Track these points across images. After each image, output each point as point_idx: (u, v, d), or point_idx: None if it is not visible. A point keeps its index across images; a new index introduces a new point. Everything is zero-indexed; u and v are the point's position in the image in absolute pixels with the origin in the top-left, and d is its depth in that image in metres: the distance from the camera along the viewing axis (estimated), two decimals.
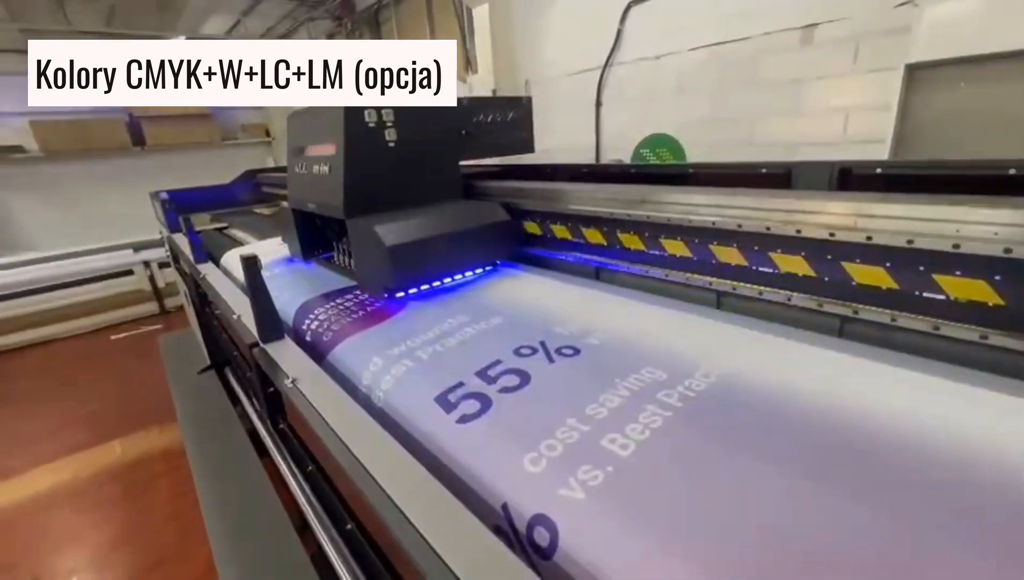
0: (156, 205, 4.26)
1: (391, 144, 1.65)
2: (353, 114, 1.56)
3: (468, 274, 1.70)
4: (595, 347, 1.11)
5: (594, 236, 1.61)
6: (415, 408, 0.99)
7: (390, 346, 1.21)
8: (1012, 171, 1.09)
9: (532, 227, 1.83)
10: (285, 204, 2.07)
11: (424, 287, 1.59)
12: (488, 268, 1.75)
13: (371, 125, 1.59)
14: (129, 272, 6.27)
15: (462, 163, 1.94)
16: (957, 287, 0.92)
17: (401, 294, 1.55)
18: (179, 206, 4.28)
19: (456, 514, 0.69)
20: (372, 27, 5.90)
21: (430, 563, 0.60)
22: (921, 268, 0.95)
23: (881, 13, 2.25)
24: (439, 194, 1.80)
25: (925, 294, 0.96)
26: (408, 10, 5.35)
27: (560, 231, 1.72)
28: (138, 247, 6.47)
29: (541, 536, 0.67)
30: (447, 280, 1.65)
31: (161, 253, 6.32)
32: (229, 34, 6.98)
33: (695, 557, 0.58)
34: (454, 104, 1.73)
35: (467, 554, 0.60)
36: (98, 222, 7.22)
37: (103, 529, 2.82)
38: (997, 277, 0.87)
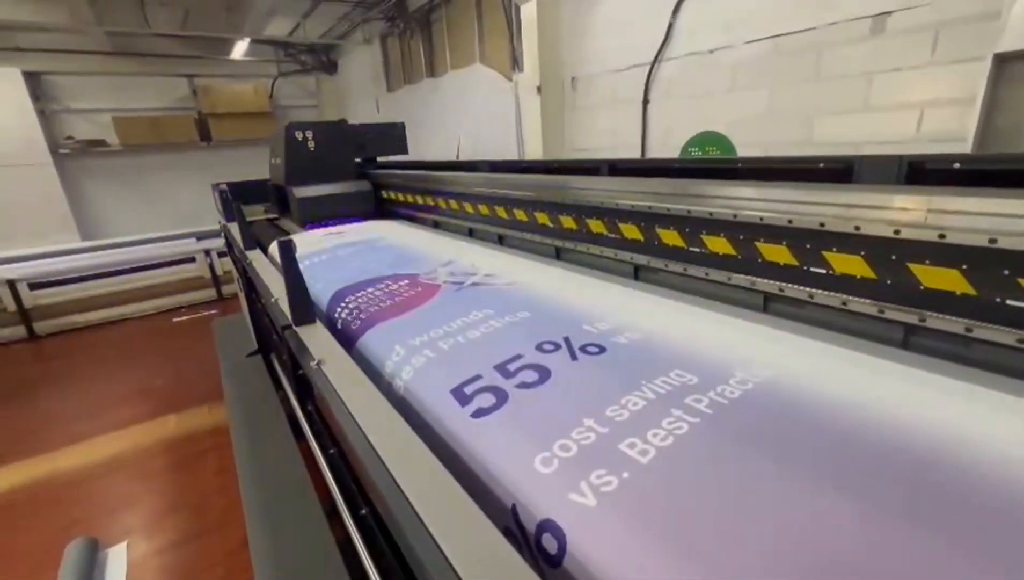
0: (215, 196, 4.51)
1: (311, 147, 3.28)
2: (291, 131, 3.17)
3: None
4: (622, 346, 1.05)
5: (631, 232, 1.54)
6: (432, 399, 0.97)
7: (413, 335, 1.20)
8: None
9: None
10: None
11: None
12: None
13: (300, 139, 3.24)
14: (192, 259, 6.69)
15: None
16: None
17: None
18: (235, 197, 4.53)
19: (467, 513, 0.65)
20: (423, 27, 6.01)
21: (438, 565, 0.57)
22: (1005, 272, 0.83)
23: None
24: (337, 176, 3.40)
25: (1009, 301, 0.84)
26: (458, 9, 5.40)
27: (627, 230, 1.66)
28: (200, 236, 6.89)
29: (549, 543, 0.63)
30: None
31: (219, 243, 6.71)
32: (290, 36, 7.31)
33: (707, 576, 0.52)
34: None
35: (475, 557, 0.57)
36: (168, 211, 7.77)
37: (155, 497, 3.00)
38: None
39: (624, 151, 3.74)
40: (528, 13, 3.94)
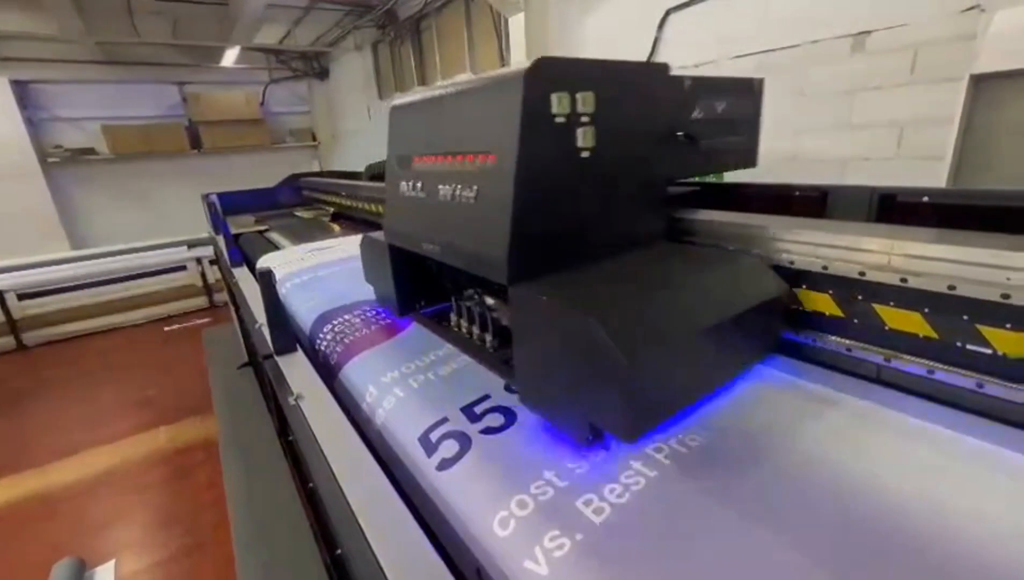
0: (205, 206, 4.49)
1: (585, 154, 0.98)
2: (534, 100, 0.89)
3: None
4: None
5: None
6: (402, 446, 0.98)
7: (386, 371, 1.20)
8: None
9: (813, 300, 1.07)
10: (377, 235, 1.51)
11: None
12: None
13: (559, 121, 0.93)
14: (183, 267, 6.66)
15: None
16: (1007, 342, 0.81)
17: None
18: (226, 208, 4.51)
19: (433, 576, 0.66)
20: (414, 35, 6.02)
21: None
22: (965, 317, 0.85)
23: (943, 19, 2.06)
24: (640, 236, 1.17)
25: (969, 346, 0.86)
26: (448, 19, 5.41)
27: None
28: (191, 244, 6.87)
29: None
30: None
31: (211, 250, 6.69)
32: (281, 43, 7.30)
33: None
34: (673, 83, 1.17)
35: None
36: (158, 219, 7.74)
37: (145, 513, 2.99)
38: None
39: None
40: (516, 25, 3.96)
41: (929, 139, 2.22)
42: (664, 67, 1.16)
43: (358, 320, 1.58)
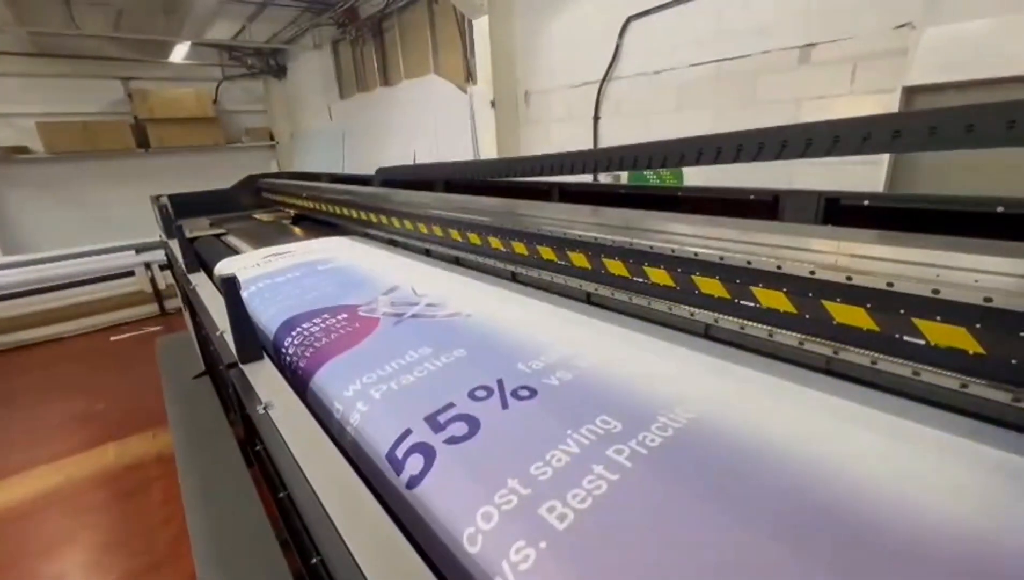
0: (155, 209, 4.28)
1: None
2: None
3: None
4: (554, 389, 1.07)
5: (580, 260, 1.59)
6: (374, 464, 0.97)
7: (348, 383, 1.18)
8: (1000, 209, 1.07)
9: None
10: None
11: None
12: None
13: None
14: (131, 273, 6.32)
15: None
16: (938, 333, 0.89)
17: None
18: (178, 210, 4.31)
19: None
20: (376, 35, 5.93)
21: None
22: (902, 311, 0.93)
23: (879, 34, 2.22)
24: None
25: (906, 338, 0.94)
26: (411, 20, 5.37)
27: (576, 258, 1.70)
28: (140, 248, 6.52)
29: None
30: None
31: (161, 255, 6.37)
32: (235, 39, 7.03)
33: None
34: None
35: None
36: (103, 223, 7.29)
37: (97, 532, 2.82)
38: (978, 325, 0.85)
39: None
40: (481, 28, 3.97)
41: None
42: None
43: (322, 326, 1.55)
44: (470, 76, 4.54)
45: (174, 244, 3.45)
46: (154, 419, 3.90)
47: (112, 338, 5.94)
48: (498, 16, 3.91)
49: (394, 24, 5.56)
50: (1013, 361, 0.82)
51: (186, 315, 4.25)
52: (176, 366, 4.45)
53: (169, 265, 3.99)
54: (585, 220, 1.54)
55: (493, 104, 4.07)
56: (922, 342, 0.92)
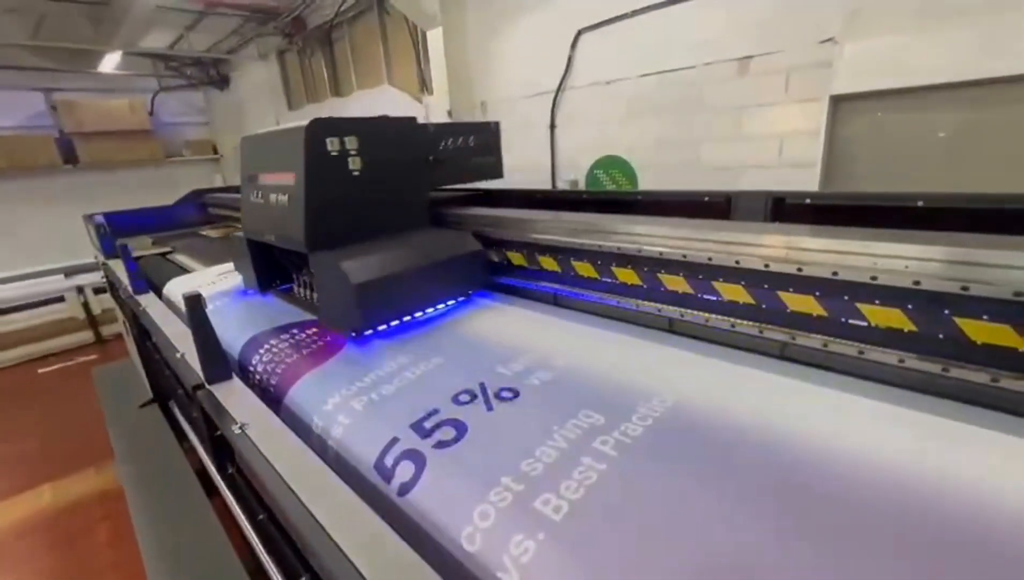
0: (90, 228, 4.00)
1: (355, 173, 1.57)
2: (314, 142, 1.48)
3: (440, 307, 1.65)
4: (535, 389, 1.11)
5: (549, 264, 1.64)
6: (361, 475, 0.97)
7: (326, 397, 1.18)
8: (920, 203, 1.21)
9: (508, 256, 1.79)
10: (240, 234, 1.98)
11: (394, 323, 1.53)
12: (461, 299, 1.72)
13: (333, 154, 1.52)
14: (60, 299, 5.83)
15: None
16: (877, 315, 1.00)
17: (369, 332, 1.47)
18: (116, 230, 4.04)
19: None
20: (324, 45, 5.82)
21: None
22: (845, 297, 1.03)
23: (807, 48, 2.43)
24: (406, 223, 1.75)
25: (851, 321, 1.04)
26: (362, 30, 5.31)
27: (545, 262, 1.66)
28: (70, 272, 6.04)
29: None
30: (418, 314, 1.59)
31: (96, 277, 5.93)
32: (172, 48, 6.70)
33: None
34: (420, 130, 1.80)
35: None
36: (21, 247, 6.69)
37: None
38: (910, 306, 0.95)
39: (535, 172, 3.92)
40: (435, 39, 3.99)
41: (802, 149, 2.59)
42: (412, 120, 1.77)
43: (291, 342, 1.52)
44: (425, 86, 4.55)
45: (116, 265, 3.24)
46: (96, 454, 3.63)
47: (40, 370, 5.46)
48: (452, 27, 3.95)
49: (344, 34, 5.48)
50: (940, 336, 0.93)
51: (128, 340, 3.97)
52: (118, 396, 4.14)
53: (110, 287, 3.72)
54: (552, 224, 1.59)
55: (450, 114, 4.09)
56: (864, 323, 1.02)
